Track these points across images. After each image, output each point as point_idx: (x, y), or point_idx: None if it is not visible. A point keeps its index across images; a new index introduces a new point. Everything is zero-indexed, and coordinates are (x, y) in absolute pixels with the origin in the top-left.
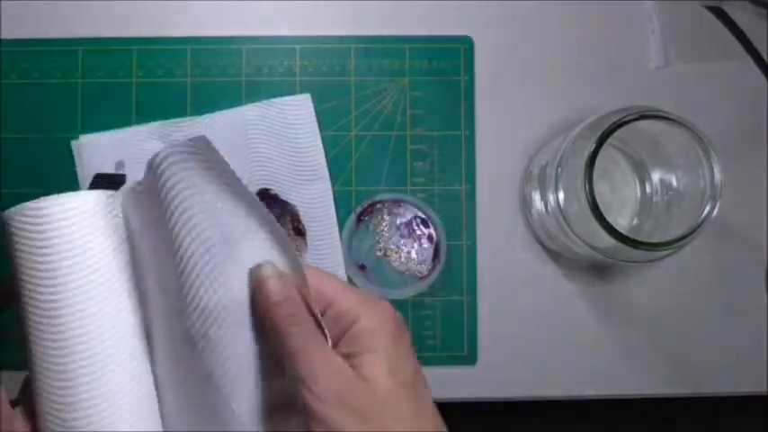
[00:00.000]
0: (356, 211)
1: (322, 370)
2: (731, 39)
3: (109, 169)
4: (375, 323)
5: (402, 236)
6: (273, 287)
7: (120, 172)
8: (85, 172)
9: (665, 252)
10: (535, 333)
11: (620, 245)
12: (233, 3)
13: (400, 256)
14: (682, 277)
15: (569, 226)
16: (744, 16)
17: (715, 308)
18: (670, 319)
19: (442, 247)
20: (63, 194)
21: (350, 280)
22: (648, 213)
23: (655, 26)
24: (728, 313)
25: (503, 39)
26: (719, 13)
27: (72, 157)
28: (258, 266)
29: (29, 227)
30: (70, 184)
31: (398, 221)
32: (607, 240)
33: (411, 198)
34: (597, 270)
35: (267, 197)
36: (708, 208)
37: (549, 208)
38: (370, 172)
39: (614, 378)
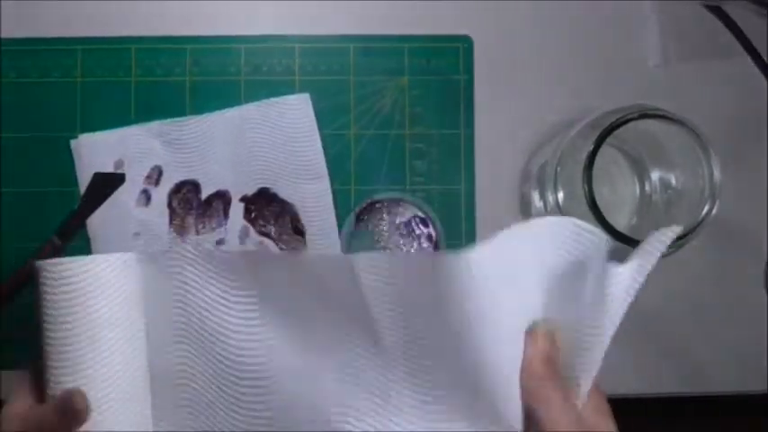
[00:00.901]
0: (355, 210)
1: (564, 417)
2: (731, 38)
3: (108, 168)
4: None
5: (401, 235)
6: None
7: (120, 171)
8: (85, 171)
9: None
10: None
11: (619, 244)
12: (232, 2)
13: None
14: (681, 277)
15: None
16: (744, 16)
17: (715, 307)
18: (669, 318)
19: (442, 247)
20: (85, 259)
21: None
22: (647, 212)
23: (654, 26)
24: (728, 313)
25: (502, 38)
26: (719, 13)
27: (71, 155)
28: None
29: (53, 282)
30: (69, 182)
31: (397, 221)
32: None
33: (410, 197)
34: None
35: (266, 196)
36: (707, 207)
37: (549, 207)
38: (369, 171)
39: (614, 378)
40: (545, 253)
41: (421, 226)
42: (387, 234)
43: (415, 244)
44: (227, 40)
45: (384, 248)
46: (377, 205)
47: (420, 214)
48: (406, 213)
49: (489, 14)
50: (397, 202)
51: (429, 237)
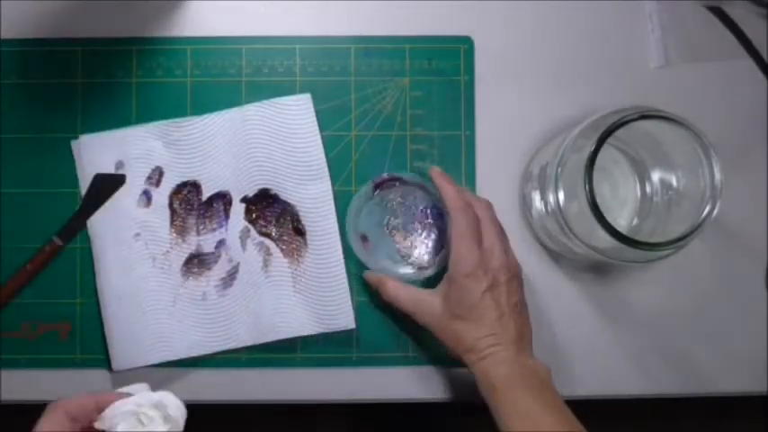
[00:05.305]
0: (375, 180)
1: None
2: (731, 39)
3: (109, 169)
4: None
5: (414, 220)
6: None
7: (120, 172)
8: (85, 172)
9: (664, 252)
10: (535, 333)
11: (620, 245)
12: (233, 3)
13: (405, 239)
14: (682, 277)
15: (569, 226)
16: (744, 16)
17: (715, 308)
18: (670, 319)
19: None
20: None
21: (347, 259)
22: (648, 213)
23: (655, 26)
24: (728, 313)
25: (503, 39)
26: (719, 13)
27: (72, 157)
28: None
29: None
30: (70, 183)
31: (415, 205)
32: (607, 240)
33: (435, 189)
34: (597, 270)
35: (267, 197)
36: (708, 208)
37: (549, 208)
38: (370, 172)
39: (614, 378)
40: None
41: (437, 218)
42: (399, 214)
43: (425, 234)
44: (228, 41)
45: (392, 230)
46: (398, 183)
47: (440, 206)
48: (426, 200)
49: (490, 15)
50: (421, 187)
51: (441, 231)
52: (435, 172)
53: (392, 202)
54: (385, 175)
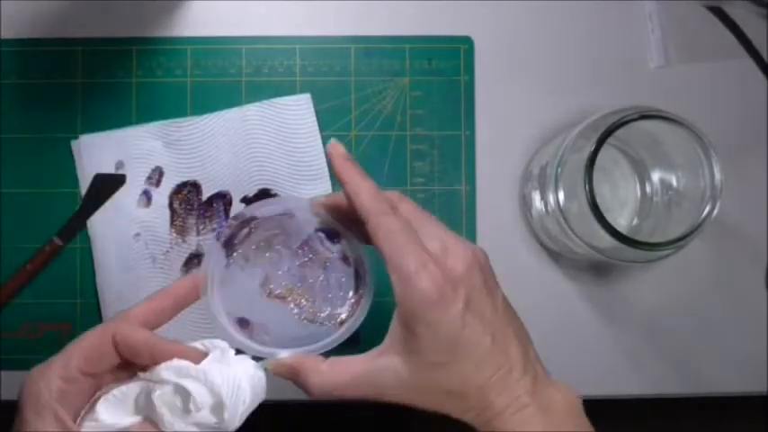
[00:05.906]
0: (219, 237)
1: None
2: (731, 39)
3: (108, 169)
4: None
5: (301, 264)
6: None
7: (120, 172)
8: (85, 172)
9: (664, 252)
10: (535, 333)
11: (620, 245)
12: (233, 3)
13: (302, 297)
14: (682, 277)
15: (569, 226)
16: (744, 16)
17: (715, 308)
18: (670, 319)
19: (367, 269)
20: None
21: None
22: (648, 213)
23: (655, 26)
24: (728, 313)
25: (503, 39)
26: (719, 13)
27: (72, 157)
28: None
29: None
30: (70, 183)
31: (292, 242)
32: (607, 240)
33: (303, 201)
34: (597, 270)
35: (267, 197)
36: (708, 208)
37: (549, 208)
38: (370, 172)
39: (614, 378)
40: None
41: (327, 243)
42: (278, 266)
43: (323, 274)
44: (229, 41)
45: (274, 289)
46: (252, 225)
47: (319, 226)
48: (304, 228)
49: (490, 15)
50: (288, 214)
51: (345, 258)
52: (336, 153)
53: (258, 252)
54: (230, 222)
